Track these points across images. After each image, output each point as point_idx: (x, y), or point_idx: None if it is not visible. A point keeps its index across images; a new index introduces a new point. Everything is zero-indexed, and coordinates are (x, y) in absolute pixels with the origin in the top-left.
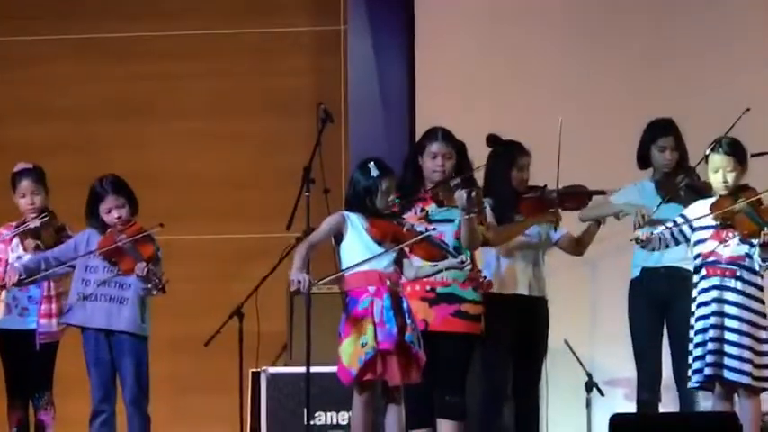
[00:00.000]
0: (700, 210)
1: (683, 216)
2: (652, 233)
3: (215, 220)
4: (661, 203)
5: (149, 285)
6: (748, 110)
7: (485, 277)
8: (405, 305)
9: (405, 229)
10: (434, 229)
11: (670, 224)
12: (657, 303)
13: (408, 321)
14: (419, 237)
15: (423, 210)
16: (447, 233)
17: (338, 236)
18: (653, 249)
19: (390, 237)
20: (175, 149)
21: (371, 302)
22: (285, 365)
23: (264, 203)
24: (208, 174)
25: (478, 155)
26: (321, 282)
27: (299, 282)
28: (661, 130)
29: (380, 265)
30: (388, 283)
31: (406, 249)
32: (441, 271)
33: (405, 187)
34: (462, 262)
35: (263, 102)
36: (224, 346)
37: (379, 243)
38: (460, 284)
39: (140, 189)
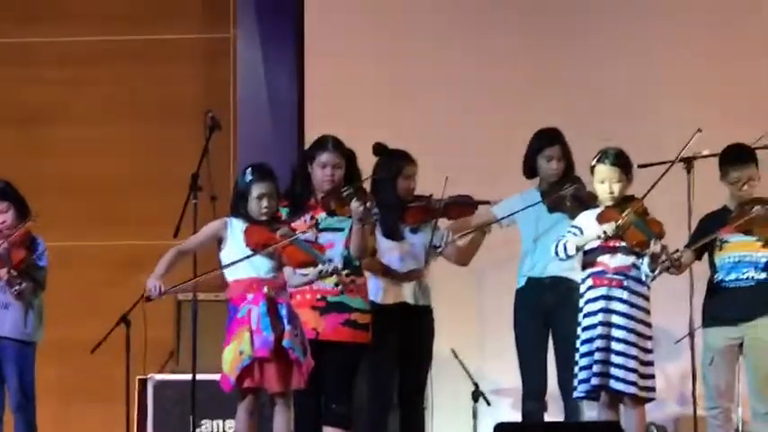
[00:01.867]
0: (587, 220)
1: (576, 227)
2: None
3: (102, 226)
4: (540, 210)
5: (11, 291)
6: (699, 131)
7: (353, 281)
8: (284, 311)
9: (278, 235)
10: (316, 238)
11: (569, 233)
12: (542, 313)
13: (288, 327)
14: (287, 240)
15: (312, 218)
16: (337, 242)
17: (221, 242)
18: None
19: (263, 243)
20: (65, 155)
21: (249, 310)
22: (172, 373)
23: (152, 210)
24: (95, 180)
25: (365, 163)
26: (173, 288)
27: (152, 288)
28: (547, 139)
29: (259, 272)
30: (265, 289)
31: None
32: (312, 281)
33: (294, 196)
34: (335, 269)
35: (151, 108)
36: (111, 353)
37: (254, 250)
38: (350, 294)
39: (30, 195)
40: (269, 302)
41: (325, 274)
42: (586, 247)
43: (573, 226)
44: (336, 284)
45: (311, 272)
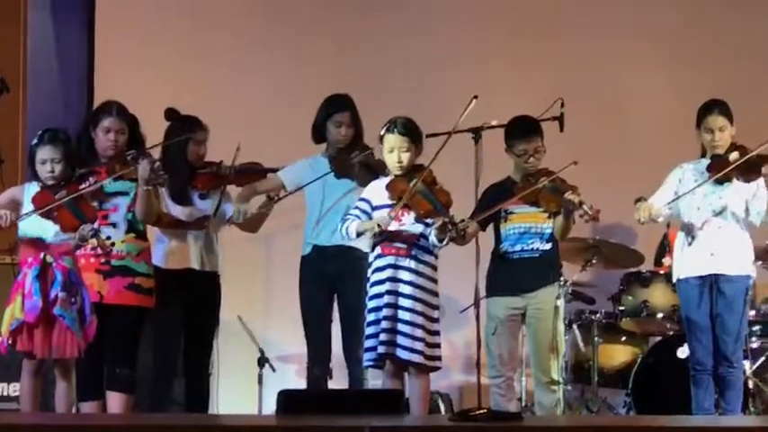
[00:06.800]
0: (376, 190)
1: (365, 200)
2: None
3: None
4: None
5: None
6: (476, 97)
7: (113, 243)
8: (59, 277)
9: (56, 198)
10: (101, 203)
11: (356, 212)
12: (328, 281)
13: (62, 294)
14: (58, 202)
15: (97, 182)
16: (121, 205)
17: (20, 206)
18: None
19: (44, 207)
20: None
21: (25, 273)
22: None
23: None
24: None
25: (156, 129)
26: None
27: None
28: (337, 105)
29: (43, 236)
30: (42, 254)
31: None
32: (80, 246)
33: (78, 160)
34: (94, 232)
35: None
36: None
37: (35, 213)
38: (134, 258)
39: None
40: (43, 267)
41: (85, 237)
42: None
43: (361, 199)
44: (94, 248)
45: (77, 235)
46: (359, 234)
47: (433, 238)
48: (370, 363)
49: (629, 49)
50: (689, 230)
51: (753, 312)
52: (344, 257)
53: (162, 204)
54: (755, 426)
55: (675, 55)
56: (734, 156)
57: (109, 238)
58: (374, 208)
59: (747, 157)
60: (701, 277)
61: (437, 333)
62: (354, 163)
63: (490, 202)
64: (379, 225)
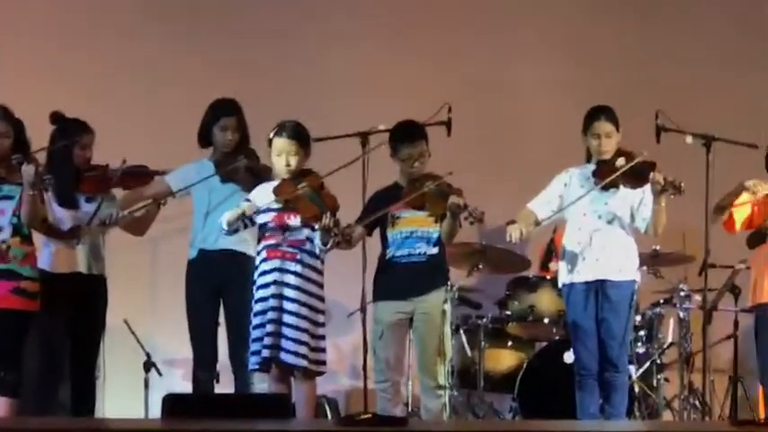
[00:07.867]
0: (262, 193)
1: (248, 201)
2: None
3: None
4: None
5: None
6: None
7: (8, 246)
8: None
9: None
10: None
11: (240, 211)
12: (214, 285)
13: None
14: None
15: None
16: (6, 209)
17: None
18: (236, 231)
19: None
20: None
21: None
22: None
23: None
24: None
25: (42, 132)
26: None
27: None
28: (224, 110)
29: None
30: None
31: None
32: None
33: None
34: None
35: None
36: None
37: None
38: (19, 262)
39: None
40: None
41: None
42: (260, 220)
43: (245, 199)
44: None
45: None
46: (229, 224)
47: (318, 242)
48: (256, 366)
49: (517, 52)
50: (575, 236)
51: (638, 318)
52: (230, 261)
53: (48, 209)
54: (640, 430)
55: (565, 58)
56: (620, 162)
57: (5, 241)
58: (260, 211)
59: (633, 163)
60: (586, 282)
61: (322, 338)
62: (239, 167)
63: (376, 206)
64: (244, 212)
